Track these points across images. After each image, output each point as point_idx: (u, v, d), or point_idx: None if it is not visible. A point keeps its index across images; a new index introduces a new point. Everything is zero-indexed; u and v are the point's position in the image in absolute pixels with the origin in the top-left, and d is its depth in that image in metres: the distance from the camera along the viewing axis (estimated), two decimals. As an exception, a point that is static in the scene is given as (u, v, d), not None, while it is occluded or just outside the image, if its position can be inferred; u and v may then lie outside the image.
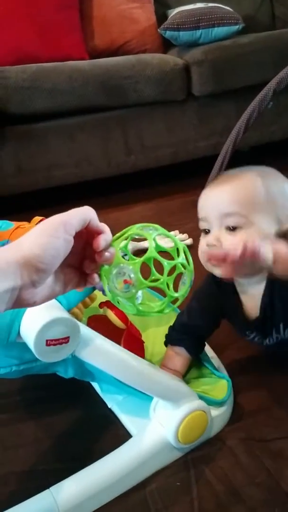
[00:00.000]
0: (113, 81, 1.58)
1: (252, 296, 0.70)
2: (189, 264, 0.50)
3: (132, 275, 0.48)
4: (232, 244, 0.62)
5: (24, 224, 0.79)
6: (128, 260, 0.50)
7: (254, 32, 1.86)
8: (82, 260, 0.46)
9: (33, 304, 0.41)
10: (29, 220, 0.81)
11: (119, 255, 0.48)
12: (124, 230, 0.51)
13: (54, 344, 0.53)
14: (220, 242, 0.64)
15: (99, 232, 0.45)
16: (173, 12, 1.81)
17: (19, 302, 0.39)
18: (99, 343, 0.56)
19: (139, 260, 0.48)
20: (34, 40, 1.67)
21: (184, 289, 0.50)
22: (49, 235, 0.41)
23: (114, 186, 1.79)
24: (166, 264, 0.49)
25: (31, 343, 0.51)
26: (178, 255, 0.50)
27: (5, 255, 0.39)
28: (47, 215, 0.81)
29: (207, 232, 0.67)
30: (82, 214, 0.44)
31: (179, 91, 1.67)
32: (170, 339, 0.76)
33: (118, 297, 0.49)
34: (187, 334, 0.74)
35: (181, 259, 0.50)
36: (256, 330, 0.74)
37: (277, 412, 0.70)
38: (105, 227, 0.45)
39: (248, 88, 1.66)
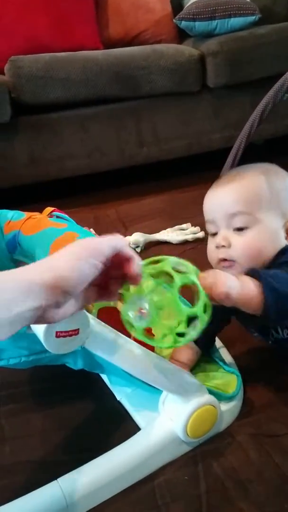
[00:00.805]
0: (127, 71, 1.57)
1: None
2: (205, 314, 0.50)
3: (147, 308, 0.49)
4: (241, 244, 0.63)
5: (36, 214, 0.79)
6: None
7: (270, 23, 1.82)
8: (105, 279, 0.46)
9: (52, 321, 0.42)
10: (41, 210, 0.80)
11: (146, 282, 0.49)
12: (155, 259, 0.52)
13: (64, 336, 0.52)
14: (229, 242, 0.64)
15: (127, 258, 0.45)
16: (189, 2, 1.78)
17: (40, 320, 0.40)
18: (109, 335, 0.56)
19: (159, 299, 0.49)
20: (48, 30, 1.67)
21: (193, 334, 0.50)
22: (80, 258, 0.41)
23: (126, 177, 1.78)
24: (183, 309, 0.49)
25: (41, 335, 0.51)
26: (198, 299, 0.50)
27: (32, 274, 0.39)
28: (59, 206, 0.82)
29: (214, 234, 0.67)
30: (114, 243, 0.44)
31: (194, 82, 1.65)
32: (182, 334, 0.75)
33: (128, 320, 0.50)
34: None
35: (199, 308, 0.50)
36: (257, 329, 0.74)
37: (287, 408, 0.69)
38: (133, 254, 0.46)
39: (264, 80, 1.63)
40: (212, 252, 0.67)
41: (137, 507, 0.58)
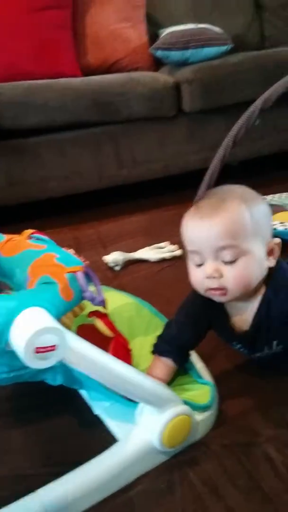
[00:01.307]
0: (105, 97, 1.63)
1: (242, 311, 0.73)
2: None
3: None
4: (233, 276, 0.66)
5: (15, 237, 0.81)
6: None
7: (244, 51, 1.92)
8: None
9: None
10: (20, 231, 0.83)
11: None
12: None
13: (43, 352, 0.55)
14: (221, 273, 0.67)
15: None
16: (164, 32, 1.87)
17: None
18: (87, 350, 0.58)
19: None
20: (28, 58, 1.72)
21: None
22: None
23: (105, 198, 1.82)
24: None
25: (21, 351, 0.53)
26: None
27: None
28: (39, 226, 0.85)
29: (200, 265, 0.69)
30: None
31: (170, 108, 1.72)
32: (158, 350, 0.78)
33: None
34: (175, 345, 0.76)
35: None
36: (243, 342, 0.77)
37: (260, 419, 0.72)
38: None
39: (238, 105, 1.70)
40: (200, 281, 0.69)
41: (114, 517, 0.60)
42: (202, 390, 0.74)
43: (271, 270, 0.71)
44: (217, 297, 0.69)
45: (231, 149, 1.44)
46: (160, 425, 0.64)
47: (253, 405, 0.75)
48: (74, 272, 0.70)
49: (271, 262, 0.70)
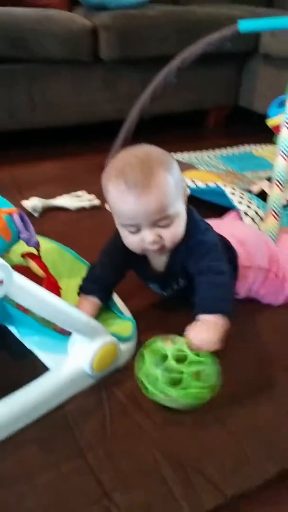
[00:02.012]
0: (18, 32, 1.56)
1: (160, 257, 0.83)
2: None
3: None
4: (170, 235, 0.75)
5: None
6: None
7: (159, 4, 1.94)
8: None
9: None
10: None
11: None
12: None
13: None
14: (160, 237, 0.75)
15: None
16: None
17: None
18: (29, 285, 0.64)
19: None
20: None
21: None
22: None
23: (21, 141, 1.77)
24: None
25: None
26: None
27: None
28: None
29: (135, 231, 0.75)
30: None
31: (86, 52, 1.71)
32: (84, 289, 0.85)
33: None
34: (99, 284, 0.85)
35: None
36: (157, 282, 0.88)
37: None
38: None
39: (152, 60, 1.75)
40: (137, 245, 0.76)
41: (51, 429, 0.68)
42: (124, 325, 0.84)
43: None
44: (155, 254, 0.79)
45: (149, 104, 1.52)
46: (91, 352, 0.72)
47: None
48: (11, 214, 0.74)
49: (185, 203, 0.79)
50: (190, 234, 0.80)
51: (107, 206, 0.76)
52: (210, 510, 0.59)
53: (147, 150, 0.75)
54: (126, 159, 0.73)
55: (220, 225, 0.93)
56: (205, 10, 1.92)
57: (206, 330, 0.72)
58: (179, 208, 0.76)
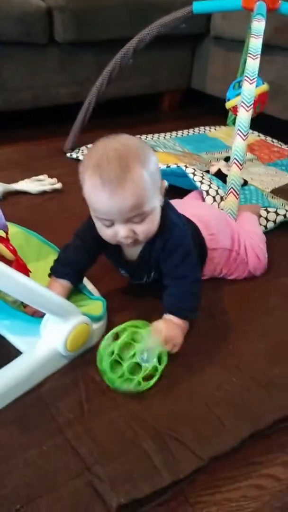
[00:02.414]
0: None
1: (133, 248, 0.83)
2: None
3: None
4: (143, 230, 0.75)
5: None
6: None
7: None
8: None
9: None
10: None
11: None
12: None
13: None
14: (134, 231, 0.75)
15: None
16: None
17: None
18: (2, 267, 0.63)
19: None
20: None
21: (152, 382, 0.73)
22: None
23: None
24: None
25: None
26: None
27: None
28: None
29: (109, 226, 0.75)
30: None
31: (42, 34, 1.66)
32: (56, 272, 0.84)
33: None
34: (71, 268, 0.84)
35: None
36: (128, 270, 0.89)
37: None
38: None
39: (108, 42, 1.74)
40: (111, 237, 0.76)
41: (28, 410, 0.68)
42: (95, 305, 0.85)
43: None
44: (128, 246, 0.79)
45: (106, 86, 1.51)
46: (65, 332, 0.73)
47: (135, 317, 0.88)
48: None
49: (161, 201, 0.79)
50: (167, 230, 0.79)
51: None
52: (189, 475, 0.61)
53: (125, 143, 0.72)
54: (104, 151, 0.70)
55: (183, 206, 0.95)
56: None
57: (173, 330, 0.76)
58: (154, 204, 0.75)
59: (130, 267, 0.88)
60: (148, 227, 0.76)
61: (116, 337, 0.73)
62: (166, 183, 0.80)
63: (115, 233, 0.75)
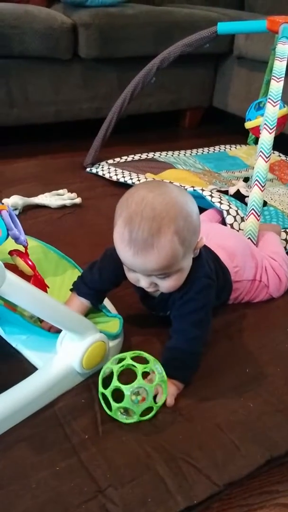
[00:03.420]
0: (-3, 28, 1.53)
1: None
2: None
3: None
4: (166, 286, 0.74)
5: None
6: None
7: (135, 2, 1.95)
8: None
9: None
10: None
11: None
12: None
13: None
14: (155, 285, 0.74)
15: None
16: None
17: None
18: (21, 282, 0.63)
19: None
20: None
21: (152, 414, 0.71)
22: None
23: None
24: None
25: None
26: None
27: None
28: None
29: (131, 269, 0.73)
30: None
31: (66, 50, 1.69)
32: (78, 290, 0.84)
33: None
34: (95, 289, 0.83)
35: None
36: (147, 303, 0.88)
37: (159, 345, 0.85)
38: None
39: (130, 59, 1.77)
40: (133, 280, 0.76)
41: (41, 427, 0.68)
42: (112, 322, 0.84)
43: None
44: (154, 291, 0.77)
45: (128, 103, 1.52)
46: (82, 350, 0.72)
47: (151, 335, 0.88)
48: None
49: (195, 254, 0.77)
50: (190, 283, 0.77)
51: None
52: (204, 501, 0.60)
53: (165, 201, 0.67)
54: (141, 205, 0.67)
55: (209, 232, 0.95)
56: (181, 12, 1.94)
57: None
58: (182, 265, 0.73)
59: (150, 301, 0.87)
60: (171, 284, 0.74)
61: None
62: (204, 240, 0.78)
63: (138, 279, 0.74)
